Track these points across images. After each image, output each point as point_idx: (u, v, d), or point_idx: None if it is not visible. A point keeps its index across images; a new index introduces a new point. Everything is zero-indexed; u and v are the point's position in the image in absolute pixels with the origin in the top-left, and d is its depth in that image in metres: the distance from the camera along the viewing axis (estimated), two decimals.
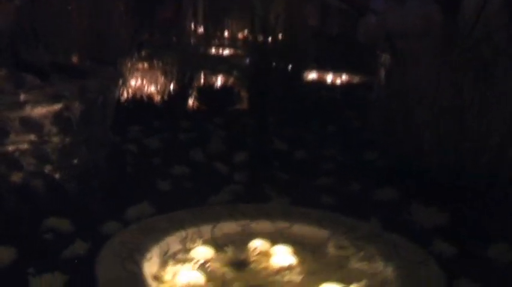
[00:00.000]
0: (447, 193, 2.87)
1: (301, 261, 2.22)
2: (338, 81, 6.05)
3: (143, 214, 2.58)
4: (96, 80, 2.80)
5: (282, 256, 2.24)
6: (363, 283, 2.06)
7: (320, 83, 5.83)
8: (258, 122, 4.31)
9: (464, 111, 2.82)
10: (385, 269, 2.18)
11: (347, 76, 6.07)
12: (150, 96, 4.83)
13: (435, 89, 2.92)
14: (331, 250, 2.32)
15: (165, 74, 4.89)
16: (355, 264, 2.22)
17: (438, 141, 2.93)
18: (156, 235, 2.27)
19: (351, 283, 2.09)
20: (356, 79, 5.97)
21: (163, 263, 2.15)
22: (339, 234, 2.39)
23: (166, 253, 2.21)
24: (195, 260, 2.16)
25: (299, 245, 2.34)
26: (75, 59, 3.60)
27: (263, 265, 2.17)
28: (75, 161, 2.71)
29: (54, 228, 2.48)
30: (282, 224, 2.45)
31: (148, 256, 2.12)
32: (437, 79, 2.92)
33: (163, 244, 2.23)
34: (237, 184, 3.10)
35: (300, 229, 2.44)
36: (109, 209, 2.65)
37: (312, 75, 5.82)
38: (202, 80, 5.15)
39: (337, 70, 6.02)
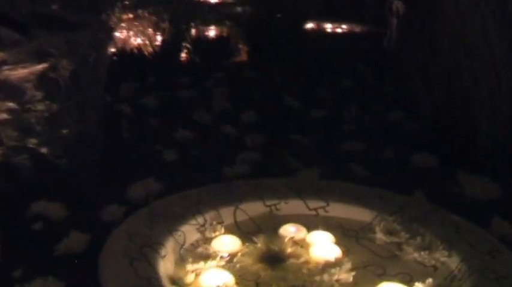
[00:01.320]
0: (499, 160, 2.48)
1: (347, 251, 1.83)
2: (339, 31, 5.60)
3: (149, 193, 2.16)
4: (87, 32, 2.34)
5: (324, 246, 1.85)
6: (429, 281, 1.67)
7: (320, 32, 5.37)
8: (263, 76, 3.90)
9: None
10: (450, 260, 1.80)
11: (347, 25, 5.61)
12: (139, 50, 4.38)
13: (483, 35, 2.48)
14: (379, 235, 1.93)
15: (153, 25, 4.43)
16: (412, 254, 1.83)
17: (488, 98, 2.50)
18: (168, 222, 1.87)
19: (412, 279, 1.71)
20: (357, 29, 5.52)
21: (181, 261, 1.75)
22: (385, 215, 2.00)
23: (182, 245, 1.82)
24: (219, 255, 1.76)
25: (339, 230, 1.96)
26: (56, 8, 3.13)
27: (303, 259, 1.78)
28: (65, 131, 2.26)
29: (43, 215, 2.05)
30: (316, 204, 2.06)
31: (163, 252, 1.72)
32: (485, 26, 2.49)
33: (178, 234, 1.83)
34: (252, 151, 2.69)
35: (338, 209, 2.06)
36: (108, 188, 2.23)
37: (311, 25, 5.36)
38: (194, 31, 4.69)
39: (335, 19, 5.57)
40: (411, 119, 3.05)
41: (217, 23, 4.89)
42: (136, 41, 4.46)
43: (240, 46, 4.62)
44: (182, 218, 1.90)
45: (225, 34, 4.75)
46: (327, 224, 1.97)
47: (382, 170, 2.53)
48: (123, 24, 4.46)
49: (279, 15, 4.49)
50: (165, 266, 1.68)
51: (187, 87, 3.66)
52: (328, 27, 5.54)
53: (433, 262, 1.80)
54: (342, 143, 2.80)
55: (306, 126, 3.06)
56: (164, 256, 1.71)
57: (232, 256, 1.78)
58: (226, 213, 1.96)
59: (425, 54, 2.74)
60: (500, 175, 2.41)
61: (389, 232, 1.92)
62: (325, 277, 1.67)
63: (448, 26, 2.59)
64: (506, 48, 2.41)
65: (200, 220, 1.91)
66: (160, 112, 3.24)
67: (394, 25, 4.18)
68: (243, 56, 4.56)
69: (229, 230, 1.90)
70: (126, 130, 2.93)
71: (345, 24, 5.57)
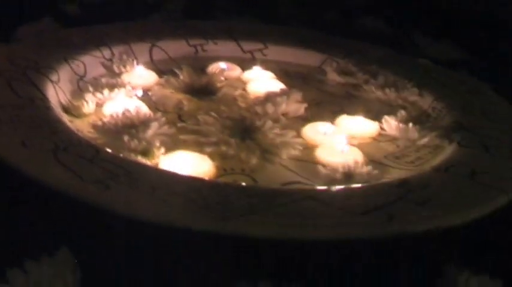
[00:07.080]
0: (459, 23, 2.13)
1: (292, 88, 1.44)
2: None
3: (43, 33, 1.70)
4: None
5: (263, 82, 1.46)
6: (402, 114, 1.30)
7: None
8: None
9: None
10: (422, 100, 1.44)
11: None
12: None
13: None
14: (331, 76, 1.55)
15: None
16: (374, 93, 1.47)
17: None
18: (64, 52, 1.43)
19: (376, 117, 1.34)
20: None
21: (79, 91, 1.32)
22: (337, 57, 1.62)
23: (82, 77, 1.39)
24: (129, 87, 1.34)
25: (282, 72, 1.57)
26: None
27: (238, 91, 1.38)
28: None
29: None
30: (252, 46, 1.66)
31: (54, 76, 1.29)
32: None
33: (77, 63, 1.40)
34: (171, 12, 2.24)
35: (279, 51, 1.66)
36: None
37: None
38: None
39: None
40: None
41: None
42: None
43: None
44: (82, 48, 1.46)
45: None
46: (266, 67, 1.57)
47: (326, 28, 2.13)
48: None
49: None
50: (57, 92, 1.24)
51: None
52: None
53: (400, 101, 1.44)
54: (277, 6, 2.39)
55: None
56: (56, 82, 1.27)
57: (147, 89, 1.37)
58: (140, 49, 1.54)
59: None
60: (463, 39, 2.06)
61: (343, 72, 1.55)
62: (269, 107, 1.27)
63: None
64: None
65: (106, 53, 1.48)
66: None
67: None
68: None
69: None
70: None
71: None
